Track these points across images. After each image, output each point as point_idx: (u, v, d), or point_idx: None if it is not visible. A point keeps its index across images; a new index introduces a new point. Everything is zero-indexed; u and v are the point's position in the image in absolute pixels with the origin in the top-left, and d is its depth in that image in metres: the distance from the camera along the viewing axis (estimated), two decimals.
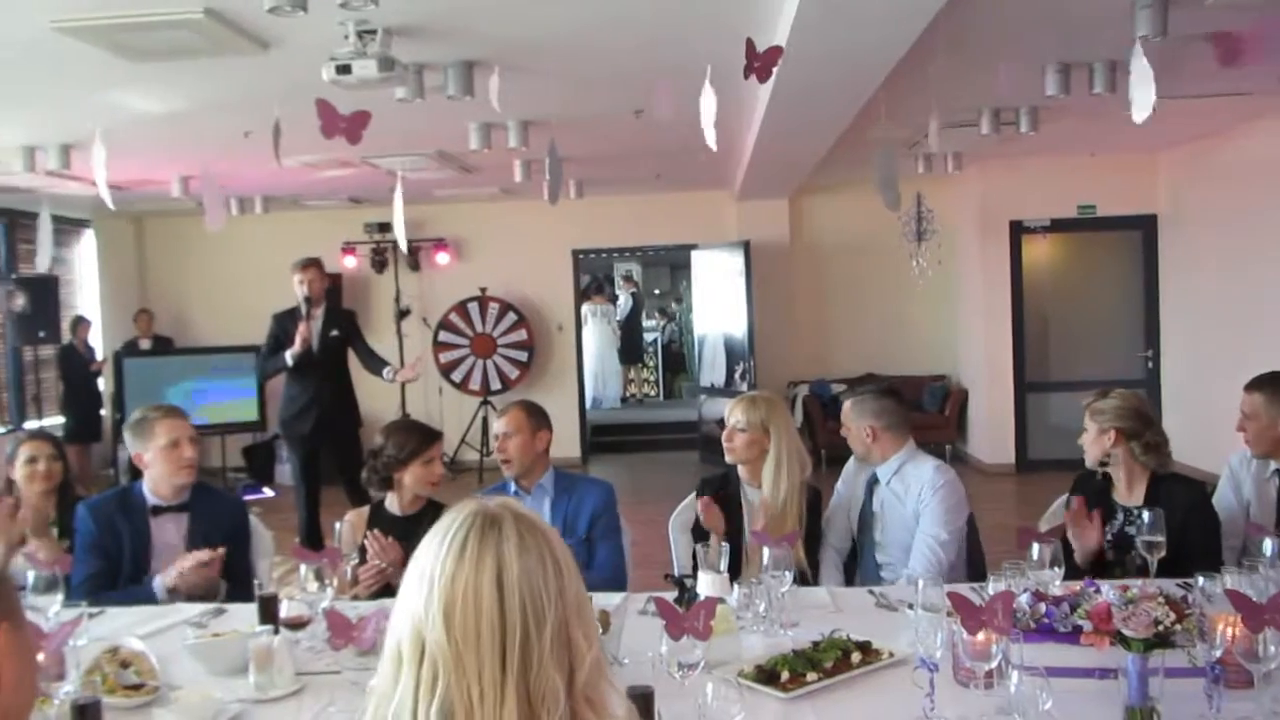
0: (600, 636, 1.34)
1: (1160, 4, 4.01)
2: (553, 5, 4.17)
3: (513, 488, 3.63)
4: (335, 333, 6.71)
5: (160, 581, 3.23)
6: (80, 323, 9.85)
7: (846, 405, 3.62)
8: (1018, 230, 9.92)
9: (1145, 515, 2.86)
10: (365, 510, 3.60)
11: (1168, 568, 2.86)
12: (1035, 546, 2.75)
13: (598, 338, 13.92)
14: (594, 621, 1.30)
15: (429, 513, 3.54)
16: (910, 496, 3.45)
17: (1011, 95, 6.22)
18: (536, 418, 3.64)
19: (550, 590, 1.23)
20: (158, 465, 3.38)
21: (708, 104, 3.68)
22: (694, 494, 3.74)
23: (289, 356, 6.45)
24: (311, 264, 6.67)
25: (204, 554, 3.23)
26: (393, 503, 3.55)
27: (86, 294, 10.57)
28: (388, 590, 3.24)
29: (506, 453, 3.59)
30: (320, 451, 6.76)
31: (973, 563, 3.61)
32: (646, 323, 15.97)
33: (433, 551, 1.28)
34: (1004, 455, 9.97)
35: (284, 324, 6.65)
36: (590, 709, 1.24)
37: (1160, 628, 2.02)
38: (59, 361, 9.67)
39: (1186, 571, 2.78)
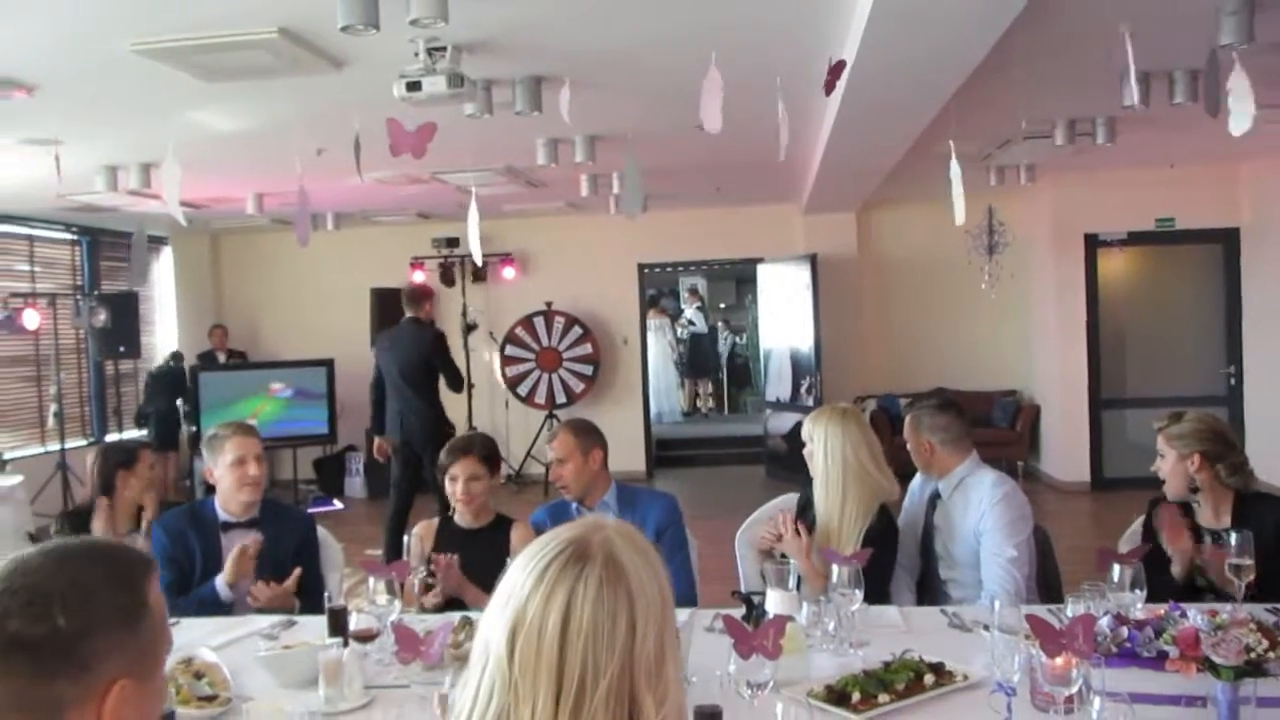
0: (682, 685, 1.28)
1: (1246, 10, 3.89)
2: (620, 22, 4.18)
3: (574, 507, 3.61)
4: None
5: (221, 580, 3.28)
6: (177, 356, 10.25)
7: (907, 420, 3.56)
8: (1093, 243, 9.71)
9: (1233, 537, 2.75)
10: (435, 522, 3.61)
11: (1263, 590, 2.75)
12: (1116, 568, 2.67)
13: (656, 352, 13.93)
14: (673, 683, 1.24)
15: (498, 526, 3.55)
16: (971, 510, 3.36)
17: (1087, 105, 6.09)
18: (586, 438, 3.57)
19: (616, 645, 1.19)
20: (225, 481, 3.45)
21: (780, 116, 3.64)
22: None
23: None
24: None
25: (285, 587, 3.28)
26: (461, 515, 3.56)
27: (164, 309, 10.86)
28: (455, 603, 3.26)
29: (563, 479, 3.55)
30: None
31: (1048, 584, 3.51)
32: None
33: (520, 566, 1.26)
34: (1079, 473, 9.73)
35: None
36: None
37: (1252, 655, 1.95)
38: (155, 380, 9.99)
39: (1278, 594, 2.68)
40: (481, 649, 1.24)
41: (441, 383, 7.54)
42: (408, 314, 7.66)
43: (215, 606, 3.28)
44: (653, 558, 1.29)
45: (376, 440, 7.52)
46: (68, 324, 9.23)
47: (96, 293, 9.40)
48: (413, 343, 7.48)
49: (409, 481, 7.18)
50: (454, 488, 3.49)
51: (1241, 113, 3.62)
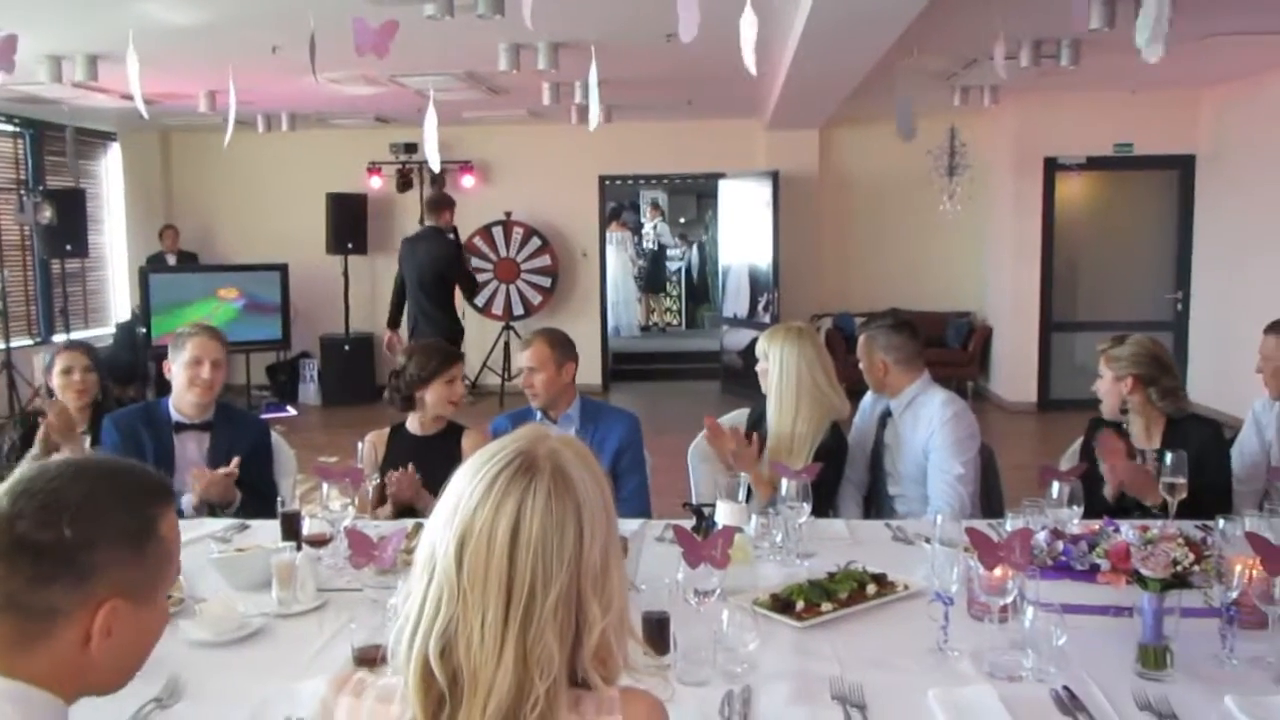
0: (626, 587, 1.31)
1: None
2: None
3: (538, 415, 3.63)
4: None
5: (188, 500, 3.29)
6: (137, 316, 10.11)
7: (861, 338, 3.60)
8: (1052, 167, 9.75)
9: (1168, 457, 2.85)
10: (386, 430, 3.62)
11: (1187, 505, 2.86)
12: (1055, 485, 2.75)
13: (616, 266, 13.87)
14: (617, 590, 1.27)
15: (449, 434, 3.56)
16: (920, 428, 3.43)
17: (1053, 26, 6.06)
18: (561, 349, 3.56)
19: (565, 555, 1.21)
20: (179, 379, 3.46)
21: (748, 26, 3.55)
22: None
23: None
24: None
25: (224, 471, 3.30)
26: (413, 423, 3.56)
27: (113, 208, 10.60)
28: (410, 510, 3.28)
29: (533, 388, 3.55)
30: None
31: (990, 500, 3.61)
32: (671, 251, 15.90)
33: (467, 476, 1.26)
34: (1026, 394, 9.93)
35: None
36: (601, 668, 1.25)
37: (1178, 568, 2.02)
38: (119, 329, 9.95)
39: (1199, 506, 2.79)
40: (427, 557, 1.24)
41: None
42: (428, 221, 8.12)
43: None
44: (596, 469, 1.30)
45: (387, 334, 8.13)
46: (11, 220, 9.00)
47: (41, 188, 9.14)
48: (430, 250, 7.92)
49: None
50: (449, 391, 3.50)
51: (1155, 38, 3.59)
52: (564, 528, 1.22)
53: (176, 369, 3.45)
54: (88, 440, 3.60)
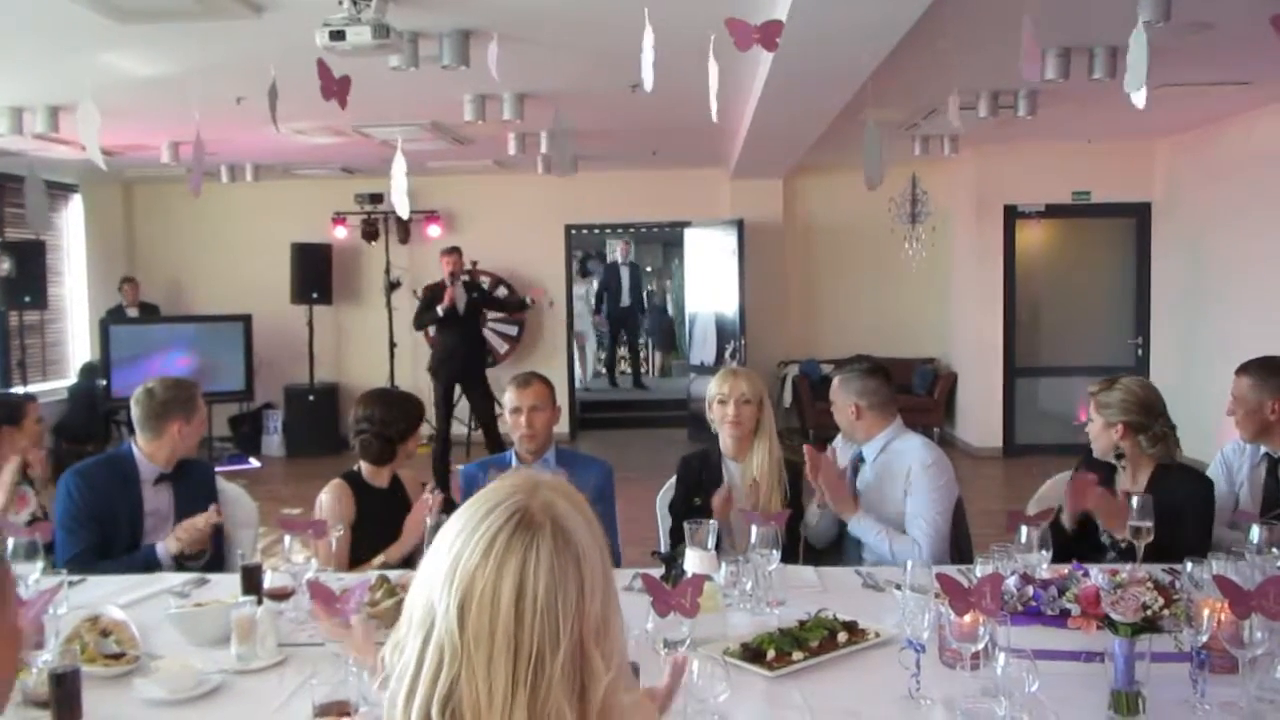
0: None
1: None
2: None
3: (514, 461, 3.60)
4: (475, 295, 9.16)
5: (164, 548, 3.22)
6: (91, 369, 9.93)
7: (834, 382, 3.59)
8: (1012, 215, 9.90)
9: (1134, 500, 2.86)
10: (343, 482, 3.55)
11: (1163, 556, 2.85)
12: (1023, 529, 2.74)
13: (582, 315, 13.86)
14: (617, 641, 1.25)
15: (395, 484, 3.53)
16: (899, 472, 3.41)
17: (1010, 78, 6.18)
18: (552, 391, 3.67)
19: (569, 613, 1.19)
20: (192, 439, 3.45)
21: (711, 73, 3.61)
22: (675, 477, 3.70)
23: (440, 310, 8.75)
24: (453, 250, 9.12)
25: (208, 515, 3.25)
26: (372, 475, 3.50)
27: (74, 260, 10.48)
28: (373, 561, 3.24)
29: (533, 428, 3.54)
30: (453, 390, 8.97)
31: (959, 546, 3.59)
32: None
33: (464, 533, 1.22)
34: (992, 439, 9.99)
35: (435, 292, 8.91)
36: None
37: (1148, 612, 2.02)
38: (72, 393, 9.73)
39: (1180, 560, 2.79)
40: (424, 613, 1.20)
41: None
42: None
43: (143, 567, 3.22)
44: (589, 514, 1.29)
45: None
46: None
47: (0, 240, 9.03)
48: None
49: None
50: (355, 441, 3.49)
51: (1139, 86, 3.70)
52: (567, 586, 1.20)
53: (189, 430, 3.42)
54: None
